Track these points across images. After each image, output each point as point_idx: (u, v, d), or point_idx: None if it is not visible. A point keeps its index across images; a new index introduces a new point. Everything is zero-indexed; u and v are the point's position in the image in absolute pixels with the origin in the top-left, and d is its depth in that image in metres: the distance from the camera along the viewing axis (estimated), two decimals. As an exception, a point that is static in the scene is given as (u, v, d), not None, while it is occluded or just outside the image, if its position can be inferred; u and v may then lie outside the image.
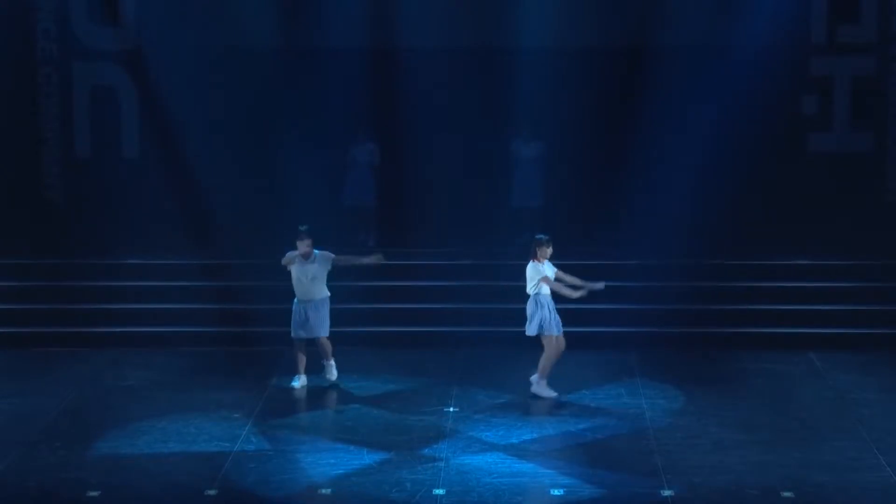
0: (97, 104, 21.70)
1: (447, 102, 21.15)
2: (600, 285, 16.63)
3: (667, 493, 13.36)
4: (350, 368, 17.90)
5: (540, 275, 16.33)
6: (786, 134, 21.16)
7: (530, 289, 16.40)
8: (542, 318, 16.29)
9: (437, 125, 21.17)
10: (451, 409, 15.92)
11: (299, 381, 17.08)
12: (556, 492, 13.41)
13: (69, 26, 21.53)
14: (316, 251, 17.00)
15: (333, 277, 17.26)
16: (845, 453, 14.49)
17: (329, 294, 17.06)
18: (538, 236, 16.58)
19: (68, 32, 21.54)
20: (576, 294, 16.41)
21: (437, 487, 13.52)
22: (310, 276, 16.92)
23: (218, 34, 21.24)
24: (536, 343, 16.58)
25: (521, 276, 16.37)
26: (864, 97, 21.32)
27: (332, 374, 17.24)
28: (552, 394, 16.45)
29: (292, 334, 17.08)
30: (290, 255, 17.05)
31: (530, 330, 16.41)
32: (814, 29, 21.25)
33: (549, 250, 16.46)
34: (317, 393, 16.99)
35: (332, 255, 17.03)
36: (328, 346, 17.09)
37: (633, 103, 20.84)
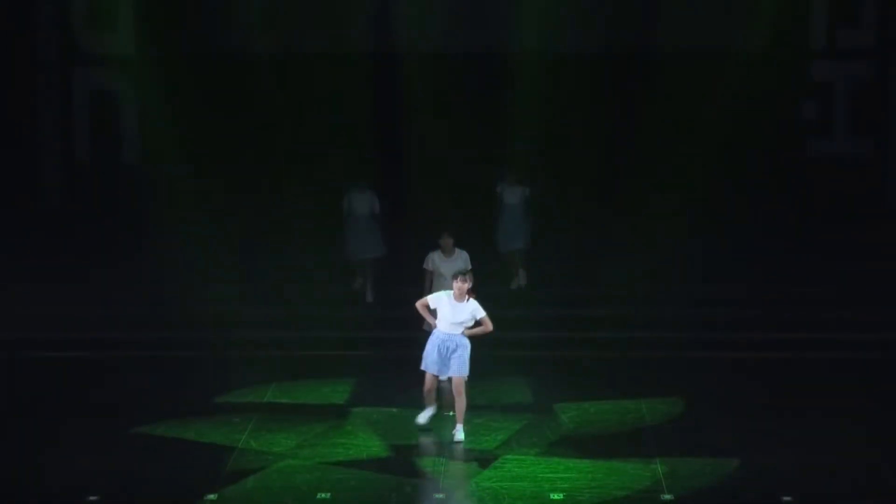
0: (97, 109, 21.73)
1: (449, 107, 21.20)
2: None
3: (667, 497, 13.37)
4: (350, 372, 17.93)
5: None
6: (786, 138, 21.22)
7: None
8: None
9: (439, 130, 21.25)
10: (452, 414, 15.89)
11: None
12: (555, 496, 13.40)
13: (69, 32, 21.58)
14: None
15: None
16: (846, 458, 14.48)
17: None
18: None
19: (68, 38, 21.58)
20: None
21: (437, 492, 13.54)
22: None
23: (217, 40, 21.29)
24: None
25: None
26: (863, 102, 21.37)
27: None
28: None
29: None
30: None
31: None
32: (814, 34, 21.30)
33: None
34: (316, 398, 16.98)
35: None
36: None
37: (632, 107, 20.89)
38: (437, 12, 21.36)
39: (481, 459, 14.49)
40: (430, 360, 15.12)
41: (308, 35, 21.49)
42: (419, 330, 17.87)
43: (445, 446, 14.91)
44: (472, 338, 15.09)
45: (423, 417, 15.40)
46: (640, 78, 21.06)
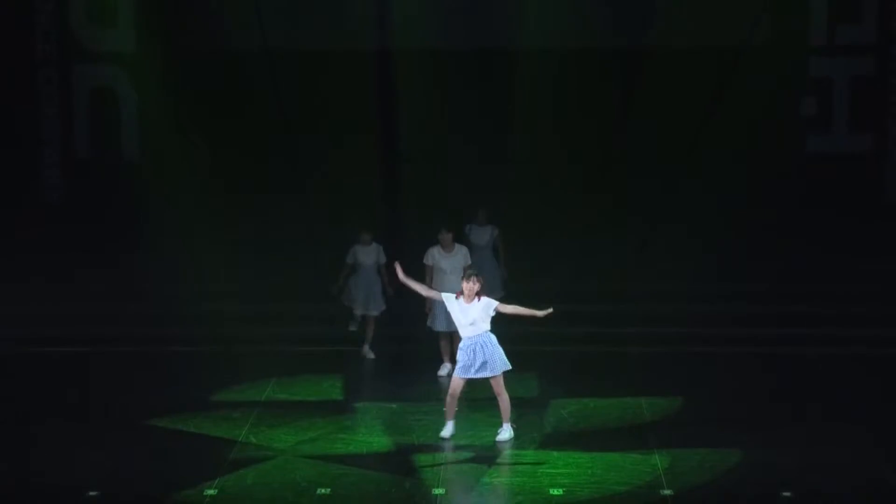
0: (97, 106, 21.74)
1: (450, 105, 21.23)
2: None
3: (666, 492, 13.37)
4: (350, 369, 17.97)
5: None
6: (785, 134, 21.22)
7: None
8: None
9: (439, 128, 21.27)
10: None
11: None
12: (555, 491, 13.41)
13: (69, 28, 21.58)
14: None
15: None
16: (845, 454, 14.49)
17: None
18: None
19: (68, 34, 21.59)
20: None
21: (437, 487, 13.53)
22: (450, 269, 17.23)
23: (218, 36, 21.30)
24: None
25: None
26: (863, 98, 21.38)
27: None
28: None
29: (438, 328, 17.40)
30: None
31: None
32: (813, 30, 21.30)
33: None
34: (315, 394, 17.02)
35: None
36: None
37: (630, 105, 20.90)
38: (438, 10, 21.35)
39: (481, 454, 14.50)
40: (465, 364, 14.66)
41: (310, 32, 21.50)
42: (419, 327, 17.93)
43: (445, 442, 14.91)
44: (521, 316, 14.73)
45: (448, 431, 14.95)
46: (638, 75, 21.05)
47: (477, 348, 14.65)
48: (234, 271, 20.11)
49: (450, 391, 14.89)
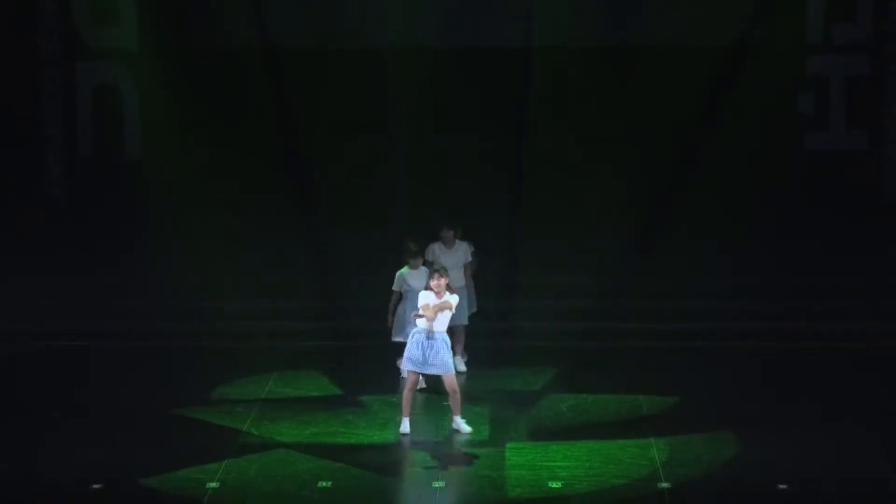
0: (100, 104, 21.80)
1: (450, 103, 21.30)
2: None
3: (663, 485, 13.45)
4: (351, 363, 18.05)
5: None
6: (783, 132, 21.28)
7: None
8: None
9: (441, 126, 21.35)
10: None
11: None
12: (553, 484, 13.49)
13: (72, 27, 21.64)
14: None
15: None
16: (841, 448, 14.58)
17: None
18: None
19: (71, 33, 21.65)
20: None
21: (437, 480, 13.61)
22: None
23: (222, 34, 21.36)
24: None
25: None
26: (859, 96, 21.45)
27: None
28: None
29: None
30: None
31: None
32: (810, 28, 21.37)
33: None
34: (317, 388, 17.10)
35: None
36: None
37: (629, 104, 20.98)
38: (438, 9, 21.42)
39: (480, 448, 14.59)
40: (415, 359, 14.85)
41: (310, 31, 21.55)
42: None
43: (445, 435, 15.01)
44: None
45: (406, 427, 15.02)
46: (637, 74, 21.13)
47: (426, 344, 14.75)
48: (234, 270, 20.15)
49: (407, 386, 15.03)
